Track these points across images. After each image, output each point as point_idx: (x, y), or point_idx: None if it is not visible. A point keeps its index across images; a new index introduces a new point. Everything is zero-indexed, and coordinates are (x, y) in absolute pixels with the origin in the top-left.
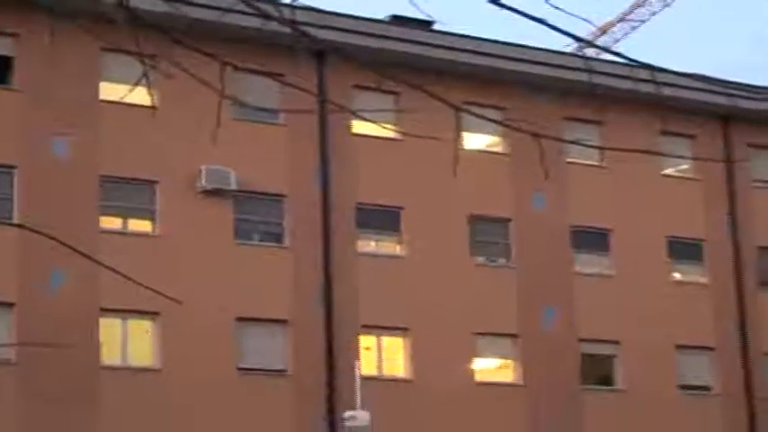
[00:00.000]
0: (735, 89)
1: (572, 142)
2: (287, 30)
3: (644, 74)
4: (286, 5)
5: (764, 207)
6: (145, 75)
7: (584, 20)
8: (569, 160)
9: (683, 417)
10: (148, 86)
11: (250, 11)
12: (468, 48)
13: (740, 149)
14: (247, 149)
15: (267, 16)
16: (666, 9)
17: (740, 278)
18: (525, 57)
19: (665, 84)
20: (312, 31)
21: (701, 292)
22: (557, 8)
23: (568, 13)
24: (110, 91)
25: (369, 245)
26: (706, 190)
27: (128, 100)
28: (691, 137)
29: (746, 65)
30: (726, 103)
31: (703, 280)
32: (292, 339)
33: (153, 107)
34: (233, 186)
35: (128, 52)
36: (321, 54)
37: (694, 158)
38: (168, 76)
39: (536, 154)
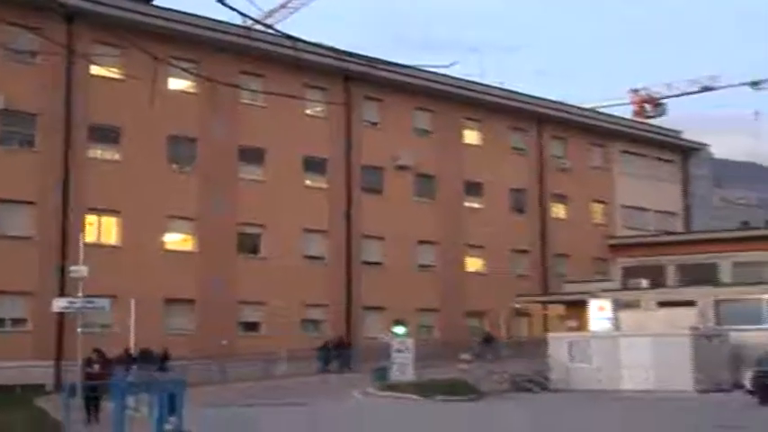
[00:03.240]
0: (356, 58)
1: (236, 87)
2: None
3: (290, 43)
4: None
5: (369, 141)
6: None
7: (253, 4)
8: (243, 101)
9: (306, 278)
10: None
11: None
12: (175, 18)
13: (357, 99)
14: (13, 80)
15: None
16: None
17: (350, 185)
18: (215, 27)
19: (307, 51)
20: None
21: (323, 195)
22: None
23: None
24: None
25: (96, 152)
26: (332, 126)
27: None
28: (323, 88)
29: (368, 44)
30: (349, 67)
31: (325, 186)
32: (38, 215)
33: None
34: (1, 106)
35: None
36: (71, 16)
37: (325, 103)
38: None
39: (217, 95)
